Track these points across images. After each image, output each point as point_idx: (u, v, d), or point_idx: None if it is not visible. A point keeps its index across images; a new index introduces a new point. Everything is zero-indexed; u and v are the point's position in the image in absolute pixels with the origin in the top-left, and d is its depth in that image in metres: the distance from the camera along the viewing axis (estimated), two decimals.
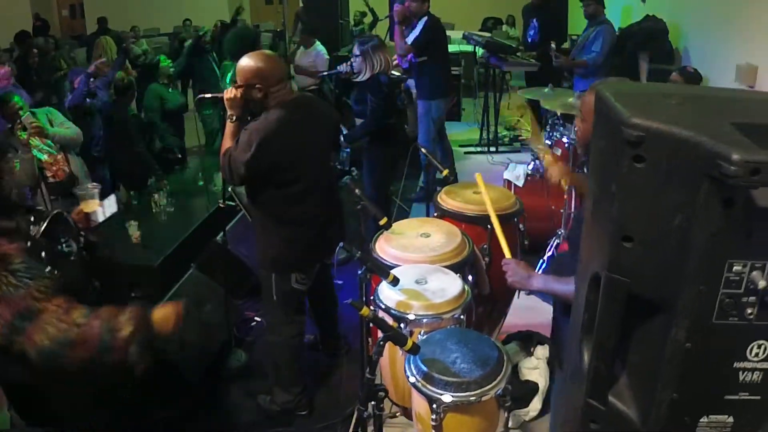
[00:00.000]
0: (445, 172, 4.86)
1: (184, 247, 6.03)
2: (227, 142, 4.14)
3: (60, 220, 3.23)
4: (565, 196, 5.90)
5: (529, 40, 10.65)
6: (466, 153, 10.48)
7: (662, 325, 1.46)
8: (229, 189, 5.24)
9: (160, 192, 6.80)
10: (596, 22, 8.89)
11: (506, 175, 6.62)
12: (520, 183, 6.47)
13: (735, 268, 1.35)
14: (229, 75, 8.48)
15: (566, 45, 12.22)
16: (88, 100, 7.52)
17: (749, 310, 1.38)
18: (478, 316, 4.24)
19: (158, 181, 7.57)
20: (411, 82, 9.49)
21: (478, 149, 10.63)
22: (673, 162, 1.31)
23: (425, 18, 8.07)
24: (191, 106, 10.10)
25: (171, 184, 7.58)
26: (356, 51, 6.22)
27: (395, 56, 8.71)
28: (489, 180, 8.25)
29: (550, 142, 6.69)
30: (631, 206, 1.42)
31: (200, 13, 19.91)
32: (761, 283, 1.35)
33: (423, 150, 4.97)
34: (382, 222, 3.88)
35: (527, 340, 4.76)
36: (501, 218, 3.94)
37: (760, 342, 1.43)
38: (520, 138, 10.97)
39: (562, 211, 6.09)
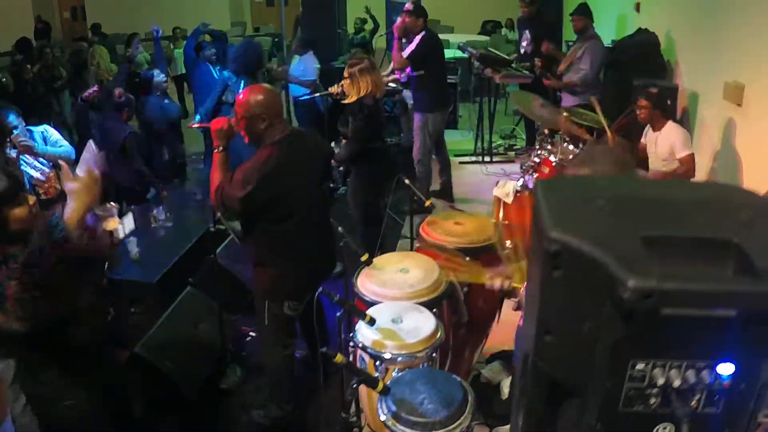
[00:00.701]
0: (428, 202, 5.02)
1: (182, 263, 6.11)
2: (217, 174, 4.32)
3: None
4: None
5: (522, 51, 10.77)
6: (461, 163, 10.64)
7: (579, 407, 1.64)
8: (218, 214, 5.40)
9: (160, 207, 6.90)
10: (585, 38, 9.05)
11: (496, 192, 6.75)
12: (509, 200, 6.60)
13: (638, 366, 1.52)
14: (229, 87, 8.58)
15: (564, 50, 12.38)
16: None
17: (653, 400, 1.55)
18: (461, 338, 4.45)
19: (158, 194, 7.69)
20: (407, 93, 9.69)
21: (473, 159, 10.80)
22: (584, 276, 1.48)
23: (422, 32, 8.23)
24: (191, 111, 10.26)
25: (170, 196, 7.71)
26: (345, 73, 6.32)
27: (391, 70, 8.90)
28: (482, 192, 8.54)
29: (537, 160, 6.82)
30: (550, 306, 1.61)
31: (201, 17, 20.02)
32: (660, 381, 1.51)
33: (406, 180, 5.13)
34: (364, 258, 4.09)
35: (510, 359, 4.93)
36: (480, 249, 4.14)
37: (665, 424, 1.59)
38: (515, 147, 11.13)
39: None
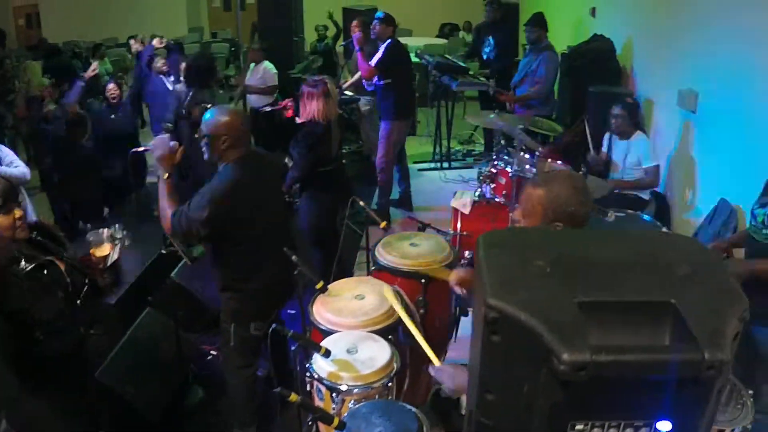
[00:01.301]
0: (383, 224, 5.02)
1: (141, 283, 6.05)
2: (167, 202, 4.33)
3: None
4: (511, 222, 6.09)
5: (485, 57, 10.80)
6: (420, 170, 10.67)
7: None
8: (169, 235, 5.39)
9: (117, 225, 6.84)
10: (538, 49, 9.09)
11: (453, 203, 6.75)
12: (467, 211, 6.62)
13: (577, 427, 1.55)
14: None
15: (520, 55, 12.46)
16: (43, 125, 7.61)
17: None
18: (418, 358, 4.46)
19: (113, 211, 7.65)
20: (364, 101, 9.71)
21: (432, 166, 10.84)
22: (521, 342, 1.51)
23: (389, 41, 8.24)
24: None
25: (126, 212, 7.67)
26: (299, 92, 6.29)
27: (357, 80, 8.94)
28: (441, 200, 8.56)
29: (494, 170, 6.83)
30: (490, 367, 1.64)
31: (159, 23, 19.86)
32: None
33: (361, 203, 5.13)
34: (318, 286, 4.09)
35: None
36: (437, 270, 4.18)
37: None
38: (473, 153, 11.18)
39: None
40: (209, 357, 6.04)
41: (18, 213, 3.57)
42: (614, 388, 1.48)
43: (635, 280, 1.61)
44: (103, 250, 4.03)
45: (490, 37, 10.78)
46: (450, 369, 3.33)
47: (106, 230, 4.26)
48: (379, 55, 8.27)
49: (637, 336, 1.53)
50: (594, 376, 1.40)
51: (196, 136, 4.43)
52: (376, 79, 8.39)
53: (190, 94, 8.20)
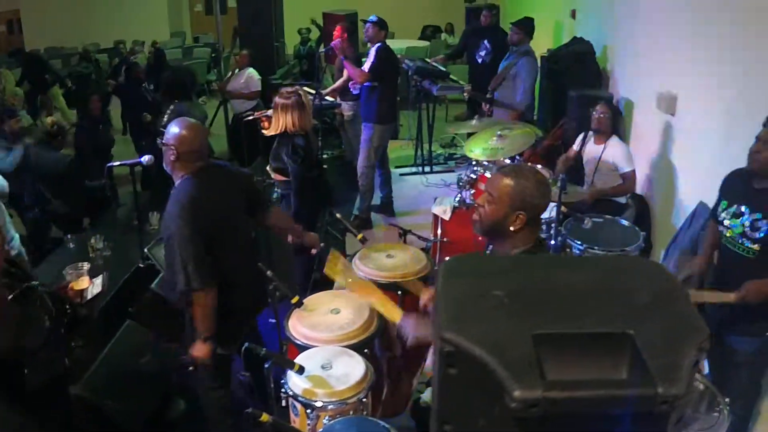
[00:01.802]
0: (360, 236, 5.02)
1: (122, 294, 6.01)
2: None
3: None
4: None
5: (480, 61, 10.78)
6: (401, 175, 10.67)
7: None
8: (146, 250, 5.37)
9: (97, 235, 6.80)
10: (518, 53, 9.10)
11: (434, 210, 6.78)
12: (447, 216, 6.64)
13: None
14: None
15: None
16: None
17: None
18: (397, 368, 4.49)
19: (92, 222, 7.61)
20: (345, 106, 9.71)
21: (413, 170, 10.84)
22: (477, 376, 1.50)
23: (378, 45, 8.24)
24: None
25: (106, 223, 7.62)
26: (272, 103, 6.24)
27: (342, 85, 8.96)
28: (422, 205, 8.56)
29: (474, 176, 6.84)
30: (447, 400, 1.64)
31: (141, 28, 19.82)
32: None
33: (337, 215, 5.12)
34: (294, 300, 4.09)
35: None
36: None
37: None
38: (455, 156, 11.18)
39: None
40: (191, 368, 6.00)
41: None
42: (570, 422, 1.48)
43: (594, 310, 1.61)
44: (81, 283, 3.97)
45: (486, 41, 10.75)
46: (412, 320, 3.53)
47: (86, 264, 4.20)
48: (371, 59, 8.24)
49: (595, 369, 1.53)
50: (548, 412, 1.40)
51: (161, 144, 4.38)
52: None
53: (171, 108, 8.22)
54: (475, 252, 4.20)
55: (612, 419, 1.48)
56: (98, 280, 4.01)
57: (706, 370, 5.18)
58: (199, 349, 4.31)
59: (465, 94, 9.94)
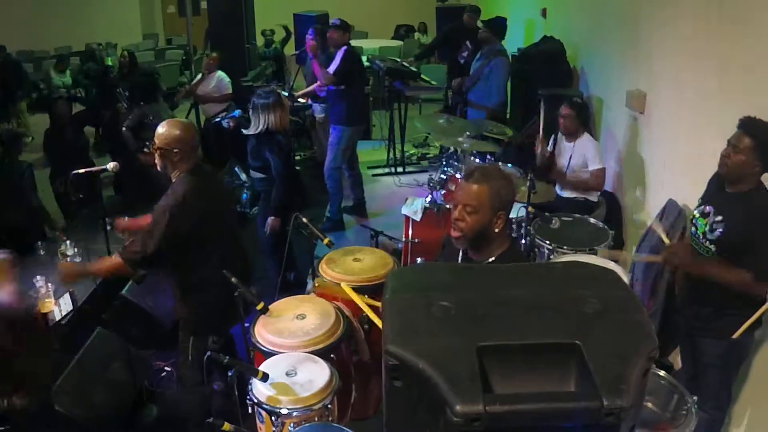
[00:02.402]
0: (326, 240, 5.00)
1: (92, 301, 5.91)
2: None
3: None
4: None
5: (462, 61, 10.77)
6: (374, 176, 10.63)
7: None
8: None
9: (68, 241, 6.73)
10: (489, 53, 9.11)
11: (404, 211, 6.75)
12: (418, 217, 6.62)
13: None
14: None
15: None
16: None
17: None
18: (365, 373, 4.48)
19: (55, 231, 7.53)
20: (316, 107, 9.70)
21: (386, 171, 10.80)
22: (420, 389, 1.49)
23: (345, 48, 8.22)
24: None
25: (76, 228, 7.56)
26: (250, 104, 6.30)
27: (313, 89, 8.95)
28: (395, 205, 8.55)
29: (444, 176, 6.85)
30: (393, 412, 1.63)
31: (112, 30, 19.67)
32: None
33: (304, 219, 5.09)
34: (259, 307, 4.08)
35: None
36: (380, 286, 4.15)
37: None
38: (428, 156, 11.17)
39: None
40: (163, 374, 5.97)
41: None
42: None
43: (541, 320, 1.60)
44: (46, 306, 3.91)
45: (468, 42, 10.75)
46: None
47: (49, 286, 4.16)
48: (336, 62, 8.21)
49: (543, 381, 1.52)
50: (490, 427, 1.39)
51: (146, 150, 4.47)
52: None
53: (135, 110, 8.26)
54: (420, 263, 4.21)
55: (559, 431, 1.47)
56: (64, 300, 3.97)
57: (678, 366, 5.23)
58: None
59: (450, 92, 9.94)
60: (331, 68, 8.18)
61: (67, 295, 4.01)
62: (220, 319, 4.67)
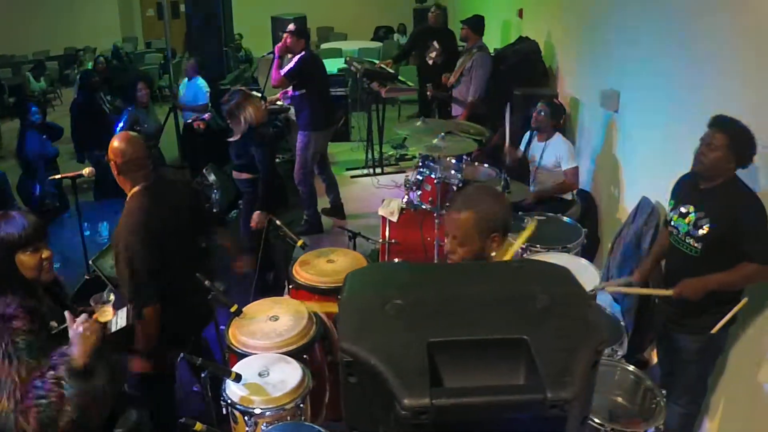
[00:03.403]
0: (300, 242, 5.03)
1: (71, 308, 5.93)
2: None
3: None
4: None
5: (431, 62, 10.80)
6: (352, 177, 10.67)
7: None
8: (90, 262, 5.35)
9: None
10: (471, 49, 9.18)
11: (381, 212, 6.78)
12: (395, 218, 6.65)
13: None
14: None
15: None
16: None
17: None
18: (338, 369, 4.50)
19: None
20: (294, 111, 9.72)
21: (365, 172, 10.83)
22: (373, 385, 1.54)
23: (303, 53, 8.22)
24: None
25: (55, 234, 7.55)
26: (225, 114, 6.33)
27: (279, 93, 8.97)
28: (373, 206, 8.58)
29: (420, 177, 6.87)
30: (351, 408, 1.68)
31: (91, 33, 19.63)
32: None
33: (278, 222, 5.12)
34: (233, 309, 4.11)
35: None
36: None
37: None
38: (406, 157, 11.19)
39: (436, 242, 6.31)
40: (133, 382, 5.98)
41: (45, 253, 3.40)
42: (466, 428, 1.51)
43: (491, 316, 1.65)
44: (104, 315, 3.87)
45: (435, 42, 10.78)
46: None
47: (112, 295, 4.11)
48: (290, 65, 8.22)
49: (494, 375, 1.57)
50: (438, 420, 1.43)
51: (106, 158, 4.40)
52: (291, 90, 8.40)
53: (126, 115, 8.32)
54: (378, 263, 4.24)
55: (508, 423, 1.51)
56: (122, 313, 3.94)
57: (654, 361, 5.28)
58: (139, 365, 4.33)
59: (429, 93, 9.97)
60: (283, 70, 8.19)
61: (125, 309, 3.97)
62: (177, 335, 4.54)
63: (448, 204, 3.51)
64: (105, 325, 3.80)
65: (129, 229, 4.14)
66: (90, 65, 14.77)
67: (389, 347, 1.55)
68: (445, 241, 3.20)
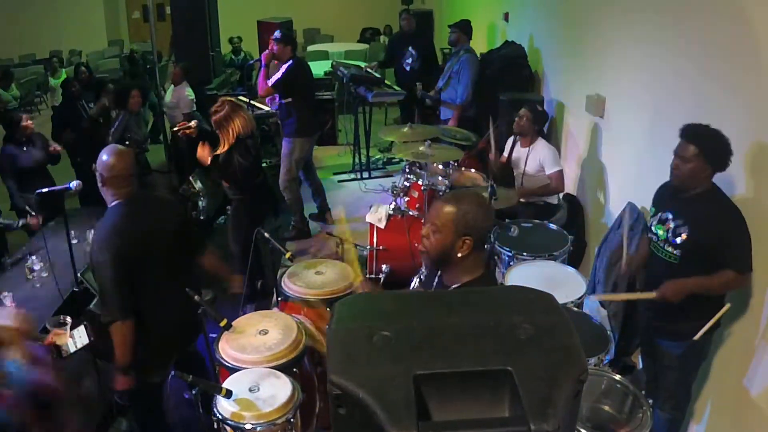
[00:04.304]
0: (288, 254, 5.06)
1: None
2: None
3: None
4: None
5: (408, 68, 10.83)
6: (339, 182, 10.66)
7: None
8: (79, 274, 5.35)
9: (34, 257, 6.69)
10: (459, 51, 9.23)
11: (368, 218, 6.82)
12: (382, 225, 6.69)
13: None
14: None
15: (440, 58, 12.61)
16: None
17: None
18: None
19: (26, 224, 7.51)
20: None
21: (352, 176, 10.82)
22: (363, 417, 1.58)
23: (290, 61, 8.21)
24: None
25: (40, 245, 7.52)
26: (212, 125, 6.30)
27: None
28: (360, 211, 8.61)
29: (407, 184, 6.91)
30: None
31: (77, 37, 19.57)
32: None
33: (266, 234, 5.14)
34: (222, 323, 4.13)
35: None
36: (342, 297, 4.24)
37: None
38: (394, 161, 11.21)
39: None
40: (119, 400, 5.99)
41: None
42: None
43: (477, 347, 1.68)
44: (60, 338, 3.87)
45: (410, 48, 10.80)
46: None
47: (68, 318, 4.11)
48: (278, 75, 8.18)
49: (479, 407, 1.61)
50: None
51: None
52: (278, 98, 8.42)
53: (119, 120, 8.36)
54: (367, 293, 4.25)
55: None
56: (79, 332, 3.94)
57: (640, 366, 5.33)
58: (121, 382, 4.34)
59: (418, 92, 10.01)
60: (271, 80, 8.18)
61: (82, 328, 3.96)
62: (163, 356, 4.59)
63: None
64: (60, 348, 3.83)
65: (99, 245, 4.16)
66: (63, 73, 14.70)
67: (376, 380, 1.58)
68: (423, 227, 3.26)
